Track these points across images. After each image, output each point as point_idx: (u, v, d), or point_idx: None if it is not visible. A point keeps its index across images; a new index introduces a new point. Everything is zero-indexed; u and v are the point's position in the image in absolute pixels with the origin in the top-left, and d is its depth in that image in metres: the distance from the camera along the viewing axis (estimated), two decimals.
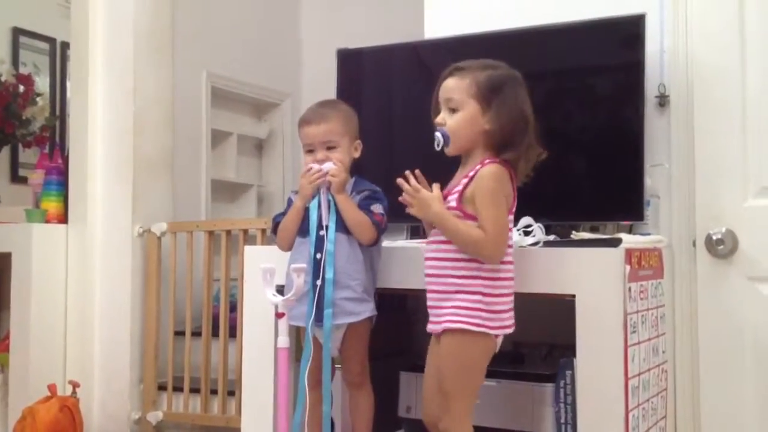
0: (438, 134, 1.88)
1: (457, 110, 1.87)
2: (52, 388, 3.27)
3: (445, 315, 1.85)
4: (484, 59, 1.92)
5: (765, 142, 2.30)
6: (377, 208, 2.05)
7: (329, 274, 1.98)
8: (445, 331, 1.84)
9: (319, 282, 2.01)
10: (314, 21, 5.00)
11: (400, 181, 1.88)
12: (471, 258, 1.82)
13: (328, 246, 2.00)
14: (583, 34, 2.42)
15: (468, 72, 1.88)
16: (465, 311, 1.82)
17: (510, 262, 1.88)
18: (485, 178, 1.81)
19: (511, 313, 1.88)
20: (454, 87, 1.87)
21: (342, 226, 2.03)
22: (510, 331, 1.87)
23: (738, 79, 2.34)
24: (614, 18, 2.35)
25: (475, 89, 1.85)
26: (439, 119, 1.89)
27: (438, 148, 1.89)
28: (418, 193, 1.86)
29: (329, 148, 2.06)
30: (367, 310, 2.05)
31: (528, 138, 1.84)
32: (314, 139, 2.07)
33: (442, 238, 1.86)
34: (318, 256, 2.01)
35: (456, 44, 2.59)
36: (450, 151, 1.89)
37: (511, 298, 1.88)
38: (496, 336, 1.85)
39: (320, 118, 2.07)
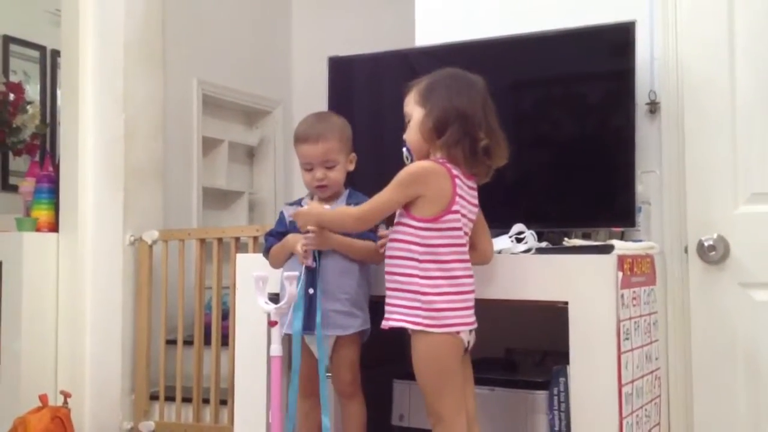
0: (404, 149, 1.96)
1: (411, 121, 1.94)
2: (43, 398, 3.25)
3: (391, 312, 1.89)
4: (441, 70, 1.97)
5: (755, 148, 2.31)
6: (382, 228, 2.05)
7: (318, 318, 1.99)
8: (392, 330, 1.88)
9: (311, 291, 2.01)
10: (305, 29, 5.00)
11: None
12: (410, 257, 1.86)
13: (317, 280, 2.02)
14: (574, 42, 2.42)
15: (414, 85, 1.96)
16: (406, 309, 1.86)
17: (457, 261, 1.86)
18: (403, 170, 1.88)
19: (459, 312, 1.85)
20: (406, 102, 1.97)
21: None
22: (459, 329, 1.85)
23: (728, 86, 2.35)
24: (604, 25, 2.36)
25: (417, 96, 1.93)
26: (404, 136, 1.97)
27: (408, 162, 1.95)
28: (299, 213, 2.01)
29: (328, 168, 2.07)
30: (354, 325, 2.05)
31: (463, 129, 1.85)
32: (313, 159, 2.08)
33: (395, 236, 1.90)
34: (311, 290, 2.02)
35: (446, 52, 2.59)
36: (417, 161, 1.94)
37: (462, 297, 1.86)
38: (458, 332, 1.85)
39: (318, 137, 2.07)
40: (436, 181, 1.85)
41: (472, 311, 1.89)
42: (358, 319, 2.06)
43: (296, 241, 2.04)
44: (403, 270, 1.88)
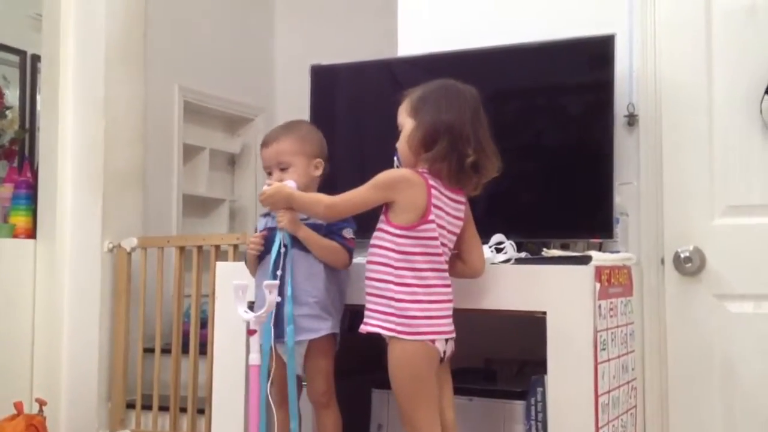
0: (395, 157, 1.97)
1: (402, 131, 1.95)
2: (18, 405, 3.22)
3: (369, 318, 1.90)
4: (434, 80, 1.97)
5: (732, 161, 2.34)
6: (348, 233, 2.05)
7: (288, 291, 1.98)
8: (369, 335, 1.88)
9: (278, 299, 2.00)
10: (288, 36, 5.01)
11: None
12: (385, 263, 1.87)
13: (287, 263, 2.01)
14: (554, 54, 2.44)
15: (408, 94, 1.96)
16: (381, 315, 1.87)
17: (432, 270, 1.86)
18: (381, 173, 1.89)
19: (434, 321, 1.85)
20: (399, 111, 1.97)
21: (301, 243, 2.03)
22: (433, 337, 1.84)
23: (705, 99, 2.38)
24: (584, 38, 2.38)
25: (409, 107, 1.94)
26: (396, 144, 1.97)
27: None
28: (265, 193, 2.01)
29: (282, 169, 2.08)
30: (324, 327, 2.03)
31: (450, 145, 1.85)
32: (268, 161, 2.10)
33: (374, 242, 1.91)
34: (279, 272, 2.02)
35: (429, 62, 2.61)
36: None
37: (436, 305, 1.86)
38: (432, 341, 1.85)
39: (272, 140, 2.10)
40: (408, 190, 1.86)
41: (448, 320, 1.89)
42: (328, 321, 2.03)
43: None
44: (380, 276, 1.88)
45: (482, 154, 1.88)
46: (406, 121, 1.93)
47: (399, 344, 1.85)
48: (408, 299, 1.85)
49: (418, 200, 1.85)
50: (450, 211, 1.90)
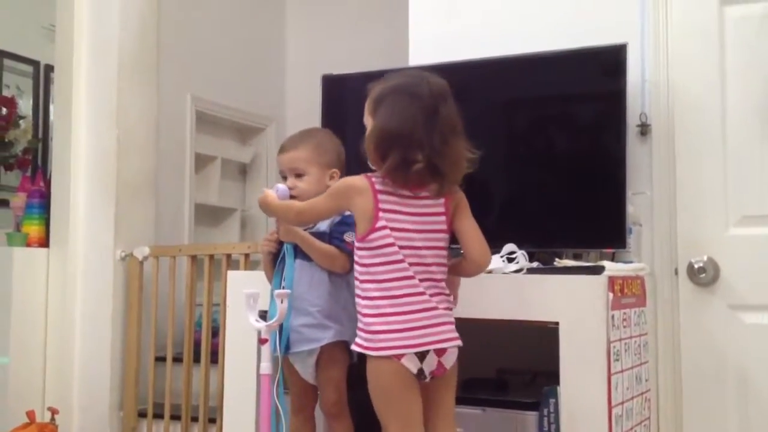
0: None
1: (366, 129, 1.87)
2: (30, 414, 3.22)
3: None
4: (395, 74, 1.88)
5: (745, 171, 2.33)
6: (349, 236, 2.00)
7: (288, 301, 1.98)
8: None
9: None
10: (299, 46, 5.03)
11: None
12: (356, 277, 1.83)
13: (287, 274, 2.02)
14: (566, 63, 2.44)
15: (370, 91, 1.87)
16: (357, 331, 1.82)
17: (397, 279, 1.76)
18: (337, 181, 1.91)
19: (401, 334, 1.73)
20: (364, 107, 1.89)
21: (303, 253, 2.03)
22: (397, 352, 1.73)
23: (718, 109, 2.37)
24: (596, 47, 2.38)
25: (368, 106, 1.87)
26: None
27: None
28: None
29: (297, 175, 2.08)
30: (327, 336, 2.01)
31: (401, 155, 1.73)
32: (284, 165, 2.11)
33: (357, 259, 1.84)
34: (284, 284, 2.02)
35: (440, 71, 2.56)
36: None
37: (404, 317, 1.74)
38: (396, 357, 1.73)
39: (291, 146, 2.11)
40: (356, 198, 1.80)
41: (423, 331, 1.75)
42: (331, 330, 2.01)
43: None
44: (355, 291, 1.83)
45: (438, 158, 1.74)
46: (367, 120, 1.86)
47: (368, 361, 1.79)
48: (372, 313, 1.77)
49: (366, 207, 1.78)
50: (413, 210, 1.78)
